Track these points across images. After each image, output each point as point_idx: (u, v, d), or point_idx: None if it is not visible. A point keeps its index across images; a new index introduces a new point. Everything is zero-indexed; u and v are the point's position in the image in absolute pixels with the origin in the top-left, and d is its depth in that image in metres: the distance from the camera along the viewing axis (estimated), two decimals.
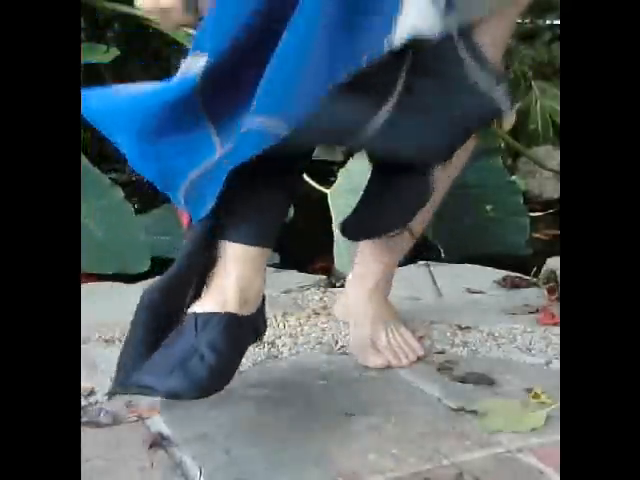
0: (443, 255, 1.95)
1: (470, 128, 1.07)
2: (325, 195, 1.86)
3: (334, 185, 1.88)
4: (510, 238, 2.17)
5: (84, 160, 1.79)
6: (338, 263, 1.72)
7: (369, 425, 0.98)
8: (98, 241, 1.77)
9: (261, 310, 1.06)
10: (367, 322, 1.20)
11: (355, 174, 1.77)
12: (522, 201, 2.25)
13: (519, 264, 1.72)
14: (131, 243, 1.82)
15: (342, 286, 1.51)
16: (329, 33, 0.92)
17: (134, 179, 2.41)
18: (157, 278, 1.00)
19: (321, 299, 1.48)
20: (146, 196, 2.04)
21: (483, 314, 1.37)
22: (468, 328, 1.31)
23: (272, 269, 1.58)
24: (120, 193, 1.86)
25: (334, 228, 1.74)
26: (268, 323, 1.33)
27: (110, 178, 1.94)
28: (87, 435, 0.95)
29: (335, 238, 1.74)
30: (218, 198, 0.95)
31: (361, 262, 1.27)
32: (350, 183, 1.79)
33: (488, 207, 2.18)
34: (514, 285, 1.57)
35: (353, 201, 1.16)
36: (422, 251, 1.83)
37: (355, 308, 1.25)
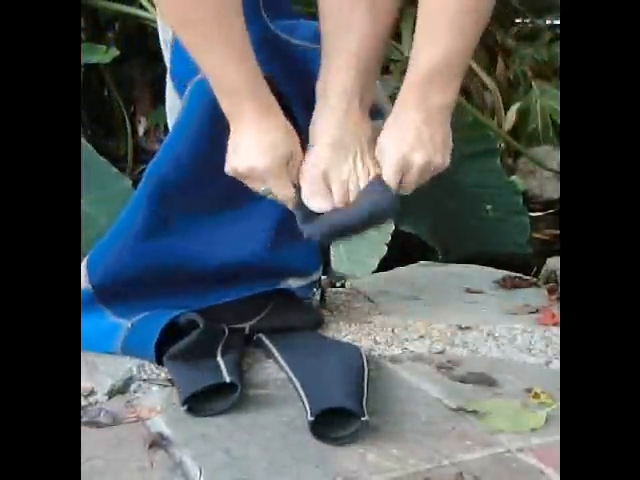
0: (440, 256, 1.95)
1: None
2: None
3: None
4: (510, 238, 2.17)
5: (90, 150, 1.78)
6: (335, 263, 1.72)
7: (369, 425, 0.98)
8: (102, 230, 1.77)
9: None
10: (328, 145, 0.99)
11: None
12: (522, 201, 2.25)
13: (519, 264, 1.72)
14: None
15: (342, 286, 1.50)
16: None
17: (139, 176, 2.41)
18: None
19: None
20: None
21: (483, 314, 1.37)
22: (468, 328, 1.30)
23: None
24: (127, 182, 1.83)
25: None
26: None
27: None
28: (87, 435, 0.94)
29: None
30: None
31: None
32: None
33: (488, 207, 2.18)
34: (514, 285, 1.56)
35: None
36: (422, 251, 1.84)
37: (321, 125, 1.00)
